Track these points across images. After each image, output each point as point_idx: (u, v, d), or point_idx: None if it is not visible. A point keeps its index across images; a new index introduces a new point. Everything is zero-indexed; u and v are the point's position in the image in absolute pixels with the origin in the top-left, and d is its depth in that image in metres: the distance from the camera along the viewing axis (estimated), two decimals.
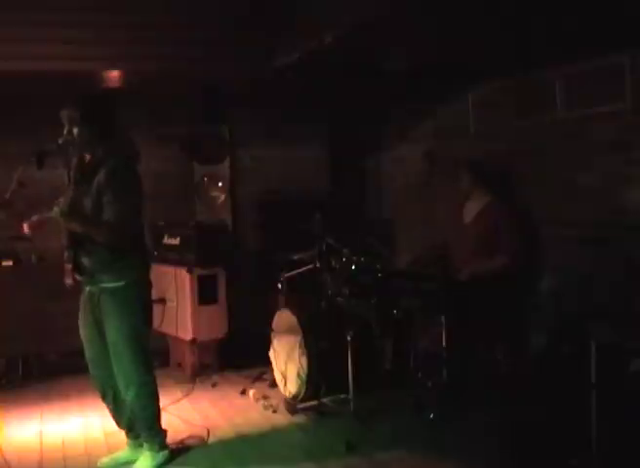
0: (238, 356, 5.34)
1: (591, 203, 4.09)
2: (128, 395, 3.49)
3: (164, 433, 3.67)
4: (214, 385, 5.04)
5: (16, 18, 4.14)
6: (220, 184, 6.04)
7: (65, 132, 3.34)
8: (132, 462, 3.63)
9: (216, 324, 5.33)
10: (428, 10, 3.56)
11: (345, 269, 4.24)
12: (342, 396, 4.19)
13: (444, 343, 4.15)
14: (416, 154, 5.73)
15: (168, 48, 4.61)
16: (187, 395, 4.79)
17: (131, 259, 3.44)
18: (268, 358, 4.74)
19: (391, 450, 3.72)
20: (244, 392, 4.78)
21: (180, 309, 5.22)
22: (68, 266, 3.40)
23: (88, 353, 3.60)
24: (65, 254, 3.42)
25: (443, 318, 4.15)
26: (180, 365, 5.48)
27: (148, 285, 3.57)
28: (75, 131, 3.33)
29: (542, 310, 4.22)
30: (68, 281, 3.44)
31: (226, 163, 6.07)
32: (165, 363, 5.60)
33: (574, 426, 3.34)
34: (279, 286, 4.84)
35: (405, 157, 5.94)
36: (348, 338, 4.01)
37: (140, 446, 3.66)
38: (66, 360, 5.43)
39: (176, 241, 5.41)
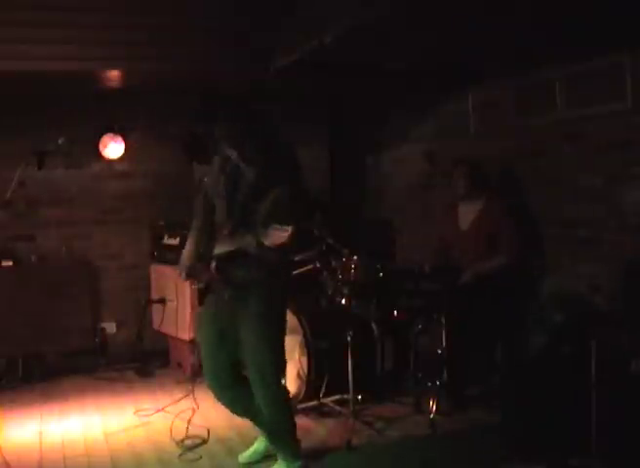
0: None
1: (591, 203, 4.08)
2: (266, 410, 3.38)
3: (298, 443, 3.51)
4: None
5: (16, 18, 4.13)
6: None
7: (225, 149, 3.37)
8: (270, 453, 3.56)
9: None
10: (428, 10, 3.56)
11: (345, 269, 4.24)
12: (342, 396, 4.20)
13: (444, 343, 4.16)
14: (416, 154, 5.73)
15: (168, 48, 4.60)
16: (187, 395, 4.78)
17: (277, 267, 3.35)
18: None
19: (391, 450, 3.72)
20: None
21: (180, 309, 5.21)
22: (218, 277, 3.29)
23: (209, 359, 3.45)
24: (212, 267, 3.29)
25: (443, 318, 4.15)
26: (179, 365, 5.47)
27: (286, 292, 3.48)
28: (233, 150, 3.36)
29: (543, 310, 4.22)
30: (201, 285, 3.36)
31: None
32: (165, 363, 5.61)
33: (574, 426, 3.34)
34: None
35: (405, 157, 5.94)
36: (348, 338, 4.01)
37: None
38: (66, 360, 5.44)
39: (176, 241, 5.40)
